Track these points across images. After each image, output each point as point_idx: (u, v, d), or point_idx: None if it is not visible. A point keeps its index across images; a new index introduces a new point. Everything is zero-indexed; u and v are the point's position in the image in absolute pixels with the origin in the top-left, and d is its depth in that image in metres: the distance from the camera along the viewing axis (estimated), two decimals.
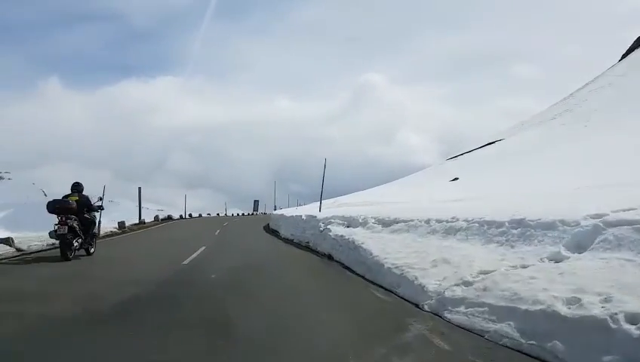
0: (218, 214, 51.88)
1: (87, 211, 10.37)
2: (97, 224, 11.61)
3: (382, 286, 6.46)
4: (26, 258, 10.26)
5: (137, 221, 24.39)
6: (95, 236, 11.06)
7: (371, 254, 7.52)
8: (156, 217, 29.53)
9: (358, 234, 9.39)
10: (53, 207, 9.78)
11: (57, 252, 9.65)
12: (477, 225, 6.75)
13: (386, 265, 6.63)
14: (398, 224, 9.15)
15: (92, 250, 10.60)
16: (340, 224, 11.42)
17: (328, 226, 11.56)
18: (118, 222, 19.75)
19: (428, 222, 8.22)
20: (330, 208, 17.22)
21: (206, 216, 47.41)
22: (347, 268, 8.66)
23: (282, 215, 21.02)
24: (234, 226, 26.09)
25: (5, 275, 8.15)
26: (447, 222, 7.58)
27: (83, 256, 10.20)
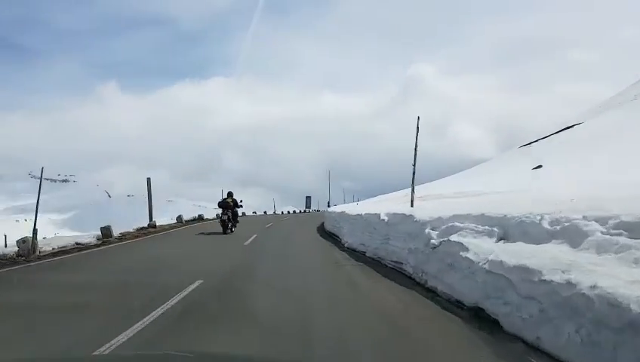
0: (265, 213, 46.73)
1: (234, 207, 17.06)
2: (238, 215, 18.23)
3: None
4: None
5: (149, 222, 18.92)
6: (237, 222, 17.60)
7: None
8: (179, 218, 24.18)
9: (577, 268, 3.33)
10: (221, 204, 16.92)
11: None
12: None
13: None
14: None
15: (234, 230, 16.86)
16: (478, 234, 5.27)
17: (452, 238, 5.49)
18: (102, 229, 14.30)
19: None
20: (421, 203, 11.28)
21: (251, 214, 41.33)
22: None
23: (343, 213, 14.99)
24: (278, 229, 19.47)
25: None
26: None
27: (229, 233, 16.24)
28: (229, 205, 16.45)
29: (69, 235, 16.16)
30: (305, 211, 53.28)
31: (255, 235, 15.10)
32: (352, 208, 16.53)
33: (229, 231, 16.15)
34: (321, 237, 15.47)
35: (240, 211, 18.79)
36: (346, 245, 11.97)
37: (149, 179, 19.71)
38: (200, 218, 27.22)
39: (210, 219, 27.41)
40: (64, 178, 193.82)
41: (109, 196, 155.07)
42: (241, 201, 17.55)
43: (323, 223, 20.75)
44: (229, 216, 16.07)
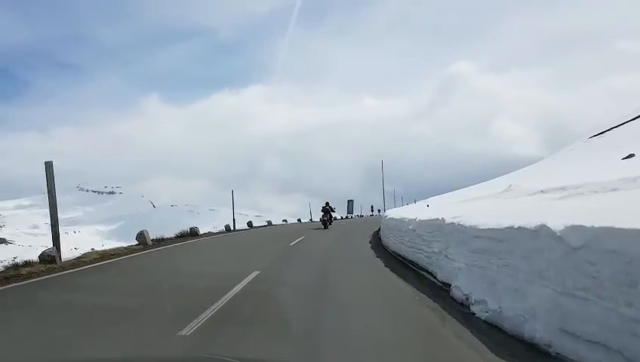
0: (299, 220, 40.47)
1: (331, 210, 24.42)
2: (333, 218, 25.70)
3: None
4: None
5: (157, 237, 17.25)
6: (332, 221, 24.73)
7: None
8: (249, 223, 29.50)
9: None
10: (322, 209, 24.34)
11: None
12: None
13: None
14: None
15: (329, 227, 23.20)
16: None
17: None
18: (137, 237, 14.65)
19: None
20: (544, 200, 7.36)
21: (281, 223, 35.99)
22: None
23: (439, 223, 6.81)
24: (309, 249, 12.13)
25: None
26: None
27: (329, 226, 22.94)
28: (327, 210, 24.25)
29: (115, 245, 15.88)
30: (347, 217, 48.31)
31: (254, 274, 7.17)
32: (418, 211, 10.81)
33: (329, 226, 23.42)
34: (390, 278, 7.32)
35: (333, 215, 26.07)
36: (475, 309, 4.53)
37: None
38: (269, 223, 33.41)
39: (278, 225, 31.92)
40: (111, 190, 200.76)
41: (154, 206, 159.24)
42: (334, 207, 25.36)
43: (376, 234, 16.28)
44: (328, 218, 23.83)
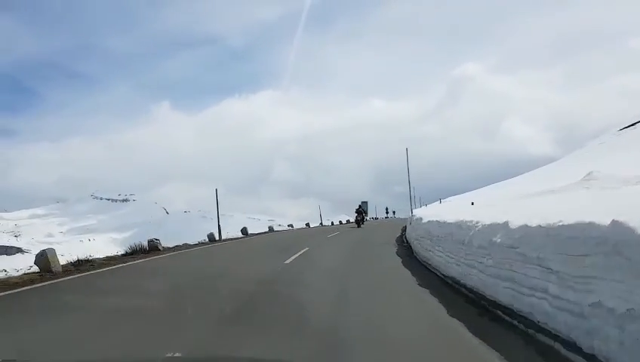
0: (308, 225, 37.29)
1: (364, 212, 30.96)
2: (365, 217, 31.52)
3: None
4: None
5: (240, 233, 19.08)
6: (365, 221, 31.33)
7: None
8: (270, 228, 29.44)
9: None
10: (356, 210, 29.87)
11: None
12: None
13: None
14: None
15: (362, 226, 28.60)
16: None
17: None
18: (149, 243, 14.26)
19: None
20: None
21: (286, 229, 33.07)
22: None
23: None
24: (305, 273, 8.53)
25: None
26: None
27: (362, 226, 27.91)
28: (360, 211, 29.39)
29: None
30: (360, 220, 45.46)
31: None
32: (465, 212, 8.10)
33: (362, 225, 28.46)
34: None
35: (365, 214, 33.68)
36: None
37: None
38: (290, 226, 37.05)
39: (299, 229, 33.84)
40: (124, 198, 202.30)
41: (167, 213, 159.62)
42: (366, 209, 32.19)
43: (400, 241, 14.24)
44: (362, 217, 29.32)
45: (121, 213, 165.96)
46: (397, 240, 14.85)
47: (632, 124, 34.10)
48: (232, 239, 21.89)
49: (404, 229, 17.37)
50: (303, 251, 12.19)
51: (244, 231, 25.37)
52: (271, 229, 29.89)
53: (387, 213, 60.45)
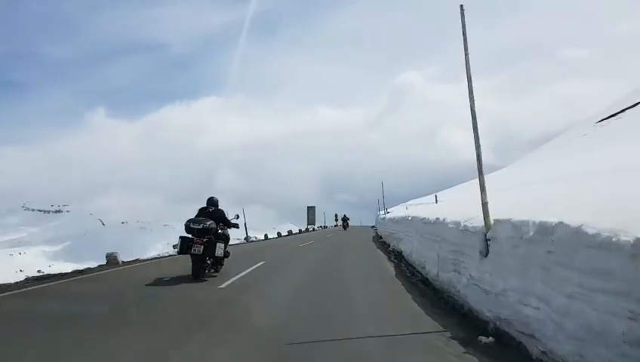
0: (247, 239, 25.89)
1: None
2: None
3: None
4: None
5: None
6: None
7: None
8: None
9: None
10: (342, 218, 25.61)
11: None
12: None
13: None
14: None
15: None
16: None
17: None
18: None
19: None
20: None
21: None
22: None
23: None
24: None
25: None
26: None
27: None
28: (344, 218, 28.75)
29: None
30: (307, 230, 37.43)
31: None
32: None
33: (347, 228, 27.69)
34: None
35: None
36: None
37: None
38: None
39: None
40: (57, 209, 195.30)
41: (103, 224, 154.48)
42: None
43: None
44: (346, 224, 28.42)
45: (54, 225, 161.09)
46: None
47: (613, 115, 30.98)
48: (147, 260, 14.98)
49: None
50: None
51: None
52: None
53: (337, 220, 45.11)
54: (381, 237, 21.26)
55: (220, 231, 9.54)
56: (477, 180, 5.05)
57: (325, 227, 44.80)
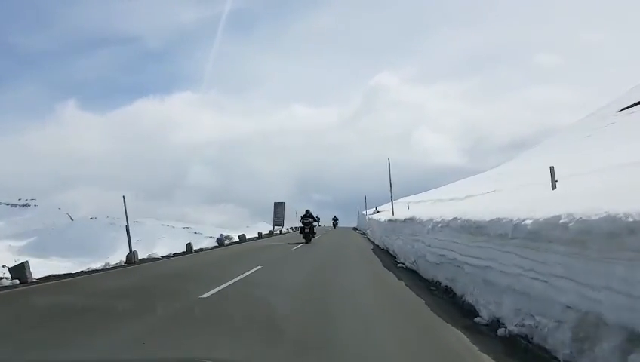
0: (220, 241, 24.18)
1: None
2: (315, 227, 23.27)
3: None
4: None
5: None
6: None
7: None
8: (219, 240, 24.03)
9: None
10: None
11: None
12: None
13: None
14: None
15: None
16: None
17: None
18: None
19: None
20: None
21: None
22: None
23: None
24: None
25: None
26: None
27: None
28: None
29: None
30: (274, 232, 33.65)
31: None
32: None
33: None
34: None
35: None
36: None
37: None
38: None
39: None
40: (25, 202, 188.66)
41: (72, 219, 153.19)
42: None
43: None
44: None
45: (21, 219, 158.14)
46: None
47: (633, 105, 28.06)
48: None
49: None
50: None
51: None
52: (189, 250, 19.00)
53: (334, 220, 45.89)
54: (388, 250, 14.60)
55: (314, 223, 22.50)
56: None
57: (292, 229, 37.49)
